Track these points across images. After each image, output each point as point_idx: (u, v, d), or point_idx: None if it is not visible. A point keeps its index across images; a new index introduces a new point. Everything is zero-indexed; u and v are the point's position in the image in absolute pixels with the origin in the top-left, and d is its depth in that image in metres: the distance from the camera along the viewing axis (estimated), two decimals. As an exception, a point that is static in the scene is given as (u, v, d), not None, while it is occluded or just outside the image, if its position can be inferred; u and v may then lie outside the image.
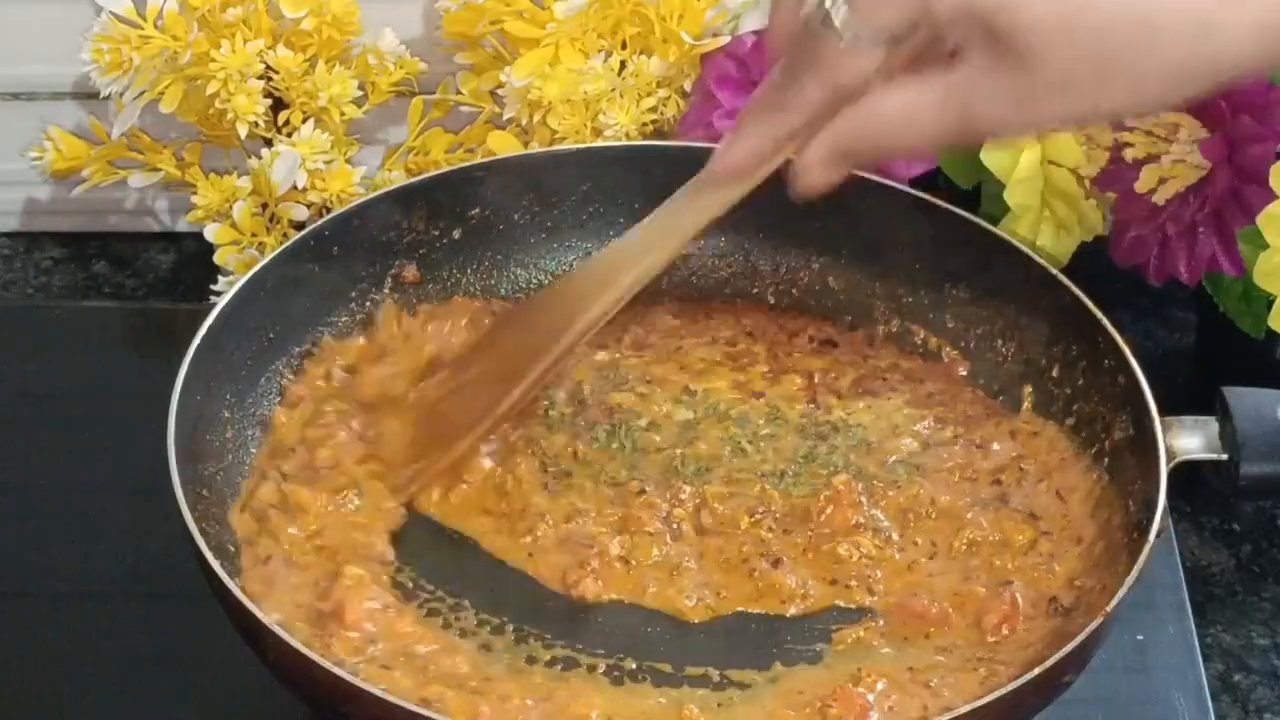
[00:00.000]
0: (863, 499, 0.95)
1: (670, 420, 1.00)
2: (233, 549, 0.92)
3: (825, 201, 1.07)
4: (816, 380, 1.03)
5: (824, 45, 0.78)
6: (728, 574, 0.93)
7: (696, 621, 0.91)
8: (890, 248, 1.07)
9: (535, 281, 1.09)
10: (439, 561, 0.93)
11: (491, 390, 0.96)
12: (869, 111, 0.79)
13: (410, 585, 0.92)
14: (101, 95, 1.13)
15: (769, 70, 0.84)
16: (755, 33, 1.13)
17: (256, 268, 0.99)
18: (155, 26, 1.11)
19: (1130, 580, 0.85)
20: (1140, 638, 0.97)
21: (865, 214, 1.06)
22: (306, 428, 0.98)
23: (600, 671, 0.88)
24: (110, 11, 1.11)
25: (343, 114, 1.13)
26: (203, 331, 0.95)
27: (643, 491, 0.95)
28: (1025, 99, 0.75)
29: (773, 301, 1.09)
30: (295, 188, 1.12)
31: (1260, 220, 1.02)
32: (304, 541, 0.92)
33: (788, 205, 1.08)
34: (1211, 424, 0.93)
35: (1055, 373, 1.00)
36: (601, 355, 1.04)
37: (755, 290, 1.09)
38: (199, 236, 1.15)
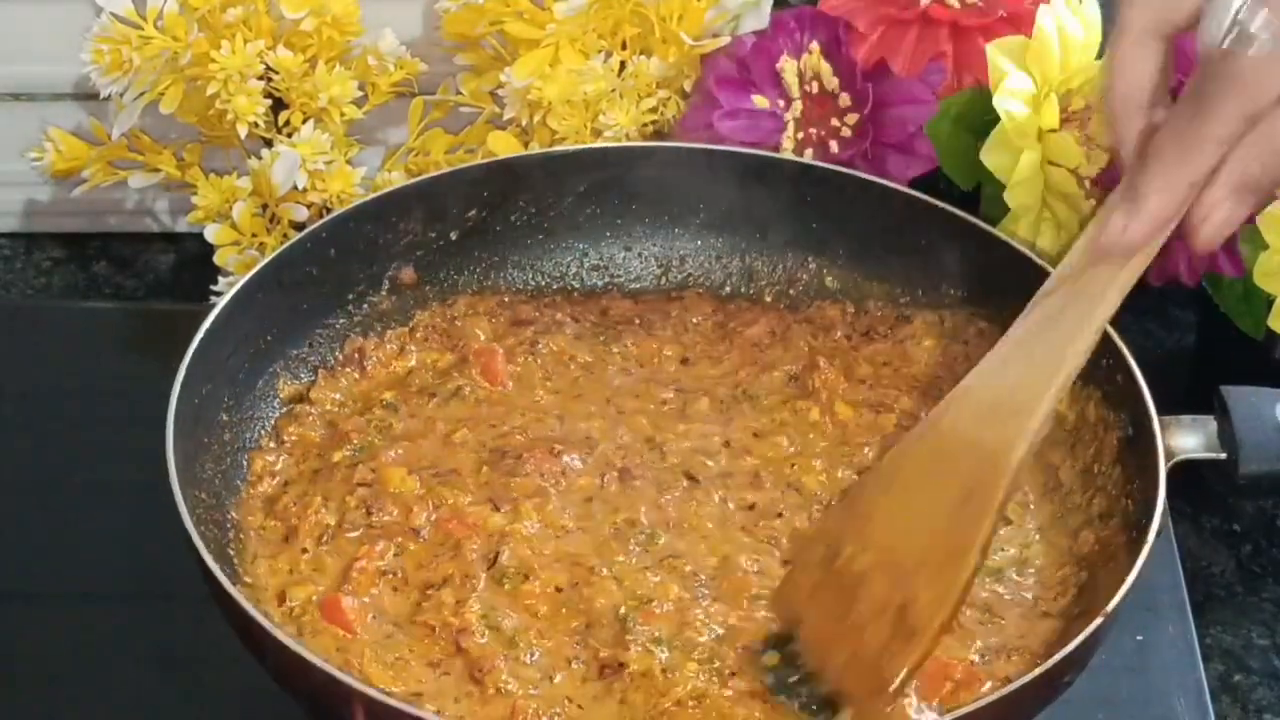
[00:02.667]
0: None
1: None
2: (232, 551, 0.92)
3: (823, 202, 1.08)
4: (817, 384, 1.03)
5: (1234, 64, 0.72)
6: None
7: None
8: (889, 248, 1.07)
9: (533, 283, 1.09)
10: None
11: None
12: (1275, 131, 0.73)
13: None
14: (101, 96, 1.13)
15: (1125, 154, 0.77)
16: (755, 33, 1.13)
17: (256, 269, 0.99)
18: (155, 27, 1.11)
19: (1130, 580, 0.85)
20: (1140, 638, 0.97)
21: (864, 215, 1.06)
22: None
23: None
24: (110, 12, 1.11)
25: (343, 114, 1.13)
26: (202, 332, 0.95)
27: None
28: None
29: (769, 300, 1.09)
30: (295, 188, 1.12)
31: (1260, 220, 1.02)
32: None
33: (786, 206, 1.09)
34: (1210, 423, 0.93)
35: (1054, 372, 1.00)
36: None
37: (753, 291, 1.09)
38: (199, 237, 1.15)
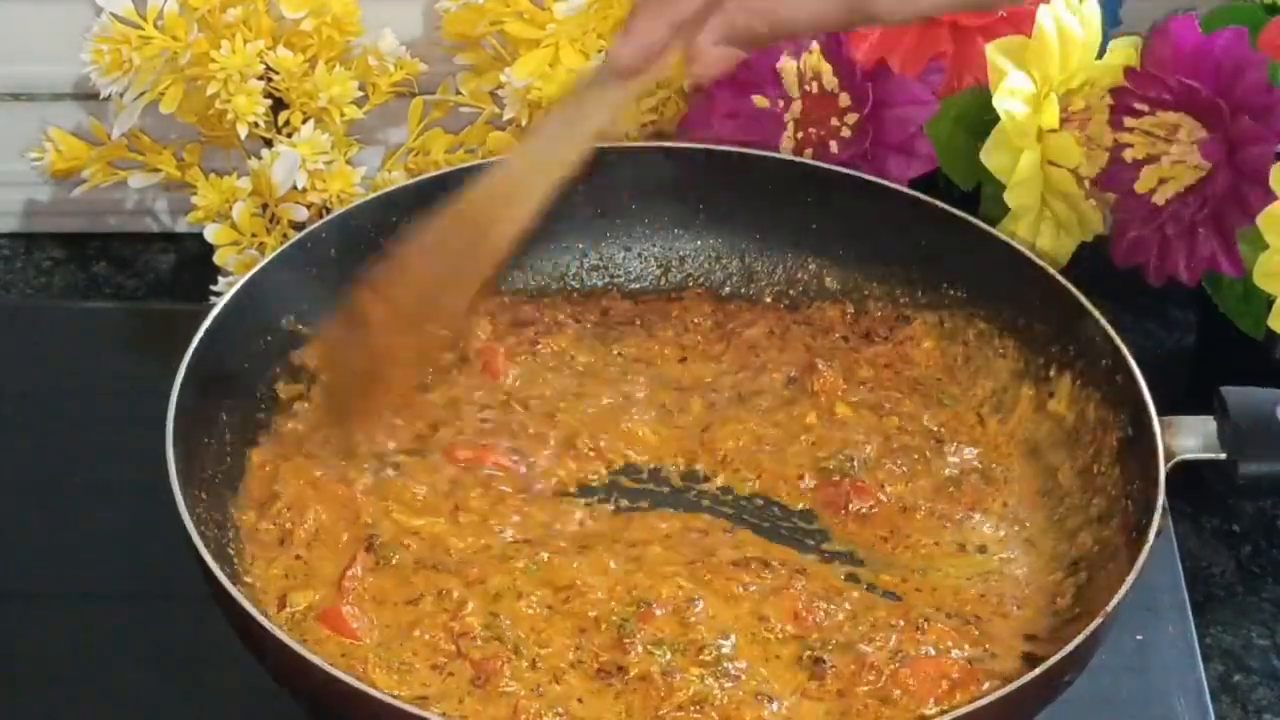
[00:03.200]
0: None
1: None
2: (231, 551, 0.92)
3: (823, 202, 1.08)
4: (816, 387, 1.03)
5: None
6: None
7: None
8: (889, 249, 1.07)
9: (533, 283, 1.09)
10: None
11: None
12: None
13: None
14: (101, 96, 1.13)
15: None
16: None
17: (255, 269, 0.99)
18: (155, 27, 1.11)
19: (1130, 580, 0.85)
20: (1140, 638, 0.97)
21: (864, 215, 1.06)
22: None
23: None
24: (110, 12, 1.11)
25: (343, 114, 1.13)
26: (202, 332, 0.95)
27: None
28: None
29: (769, 301, 1.09)
30: (295, 188, 1.12)
31: (1260, 220, 1.02)
32: None
33: (785, 207, 1.09)
34: (1210, 423, 0.93)
35: (1053, 372, 1.00)
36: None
37: (752, 292, 1.09)
38: (199, 237, 1.15)
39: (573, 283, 1.10)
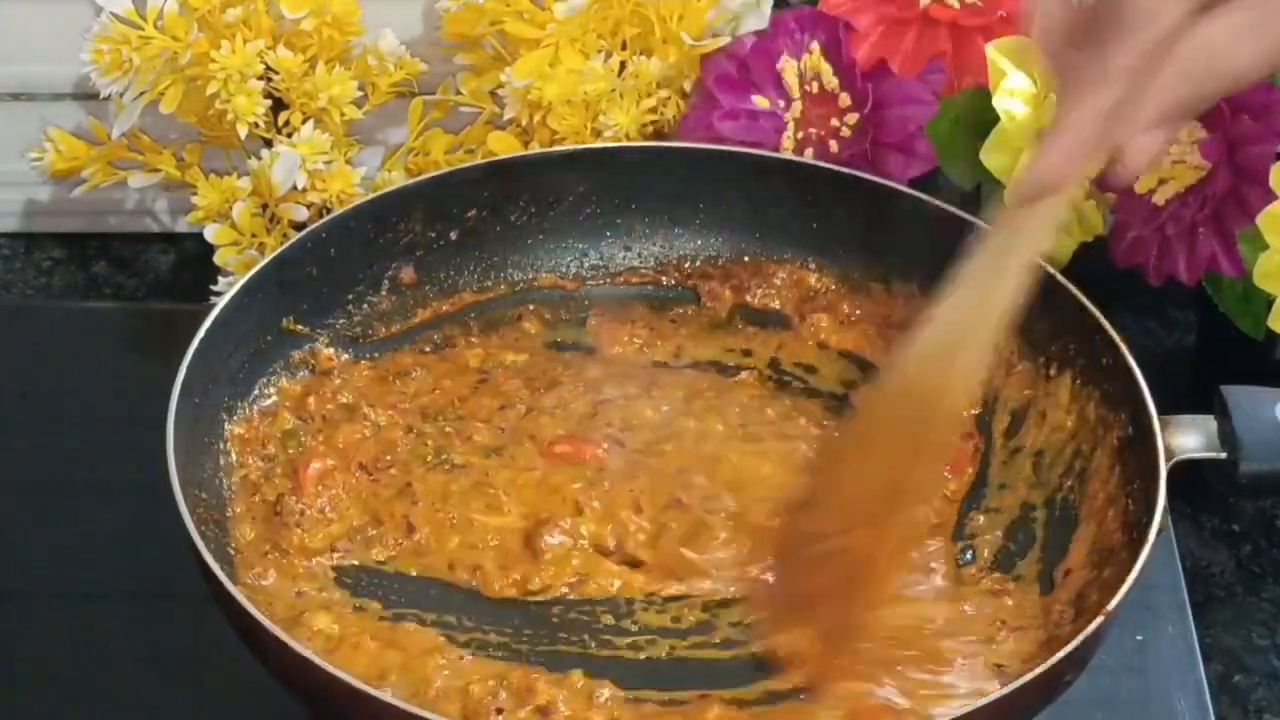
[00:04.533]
0: None
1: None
2: (232, 551, 0.92)
3: (823, 202, 1.08)
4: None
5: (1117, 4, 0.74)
6: None
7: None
8: (888, 249, 1.06)
9: (533, 284, 1.09)
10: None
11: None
12: (1195, 48, 0.74)
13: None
14: (101, 96, 1.13)
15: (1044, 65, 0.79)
16: (755, 33, 1.13)
17: (255, 269, 0.99)
18: (155, 27, 1.11)
19: (1130, 580, 0.85)
20: (1140, 638, 0.97)
21: (864, 215, 1.06)
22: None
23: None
24: (110, 12, 1.11)
25: (343, 115, 1.13)
26: (202, 332, 0.95)
27: None
28: None
29: (769, 300, 1.09)
30: (295, 188, 1.12)
31: (1260, 220, 1.02)
32: None
33: (785, 207, 1.09)
34: (1210, 423, 0.93)
35: (1053, 372, 1.00)
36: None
37: (749, 286, 1.09)
38: (199, 237, 1.15)
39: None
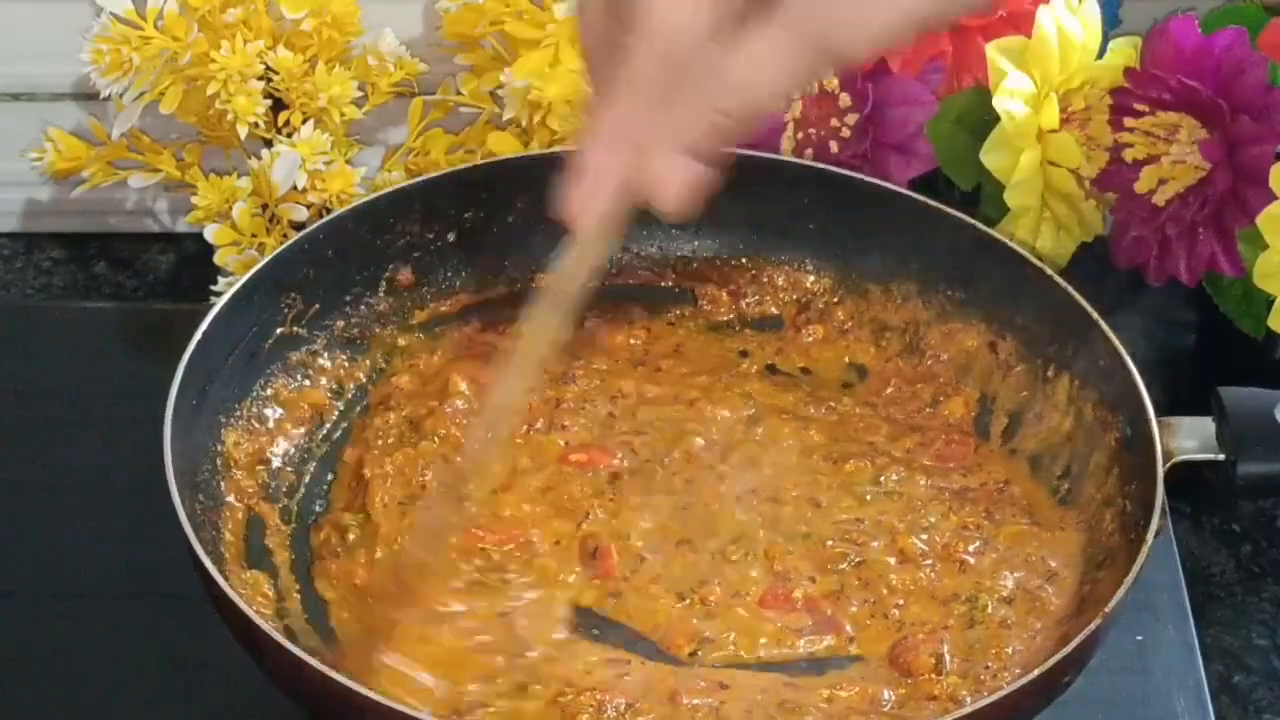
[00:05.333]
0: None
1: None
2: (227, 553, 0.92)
3: (823, 202, 1.08)
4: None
5: (635, 6, 0.72)
6: None
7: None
8: (888, 250, 1.06)
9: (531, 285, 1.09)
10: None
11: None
12: (717, 74, 0.72)
13: None
14: (101, 96, 1.13)
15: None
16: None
17: (252, 271, 0.99)
18: (155, 27, 1.11)
19: (1129, 580, 0.85)
20: (1140, 638, 0.97)
21: (864, 215, 1.06)
22: None
23: None
24: (110, 12, 1.11)
25: (343, 115, 1.13)
26: (201, 332, 0.95)
27: None
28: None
29: (769, 302, 1.09)
30: (295, 188, 1.12)
31: (1260, 220, 1.02)
32: None
33: (785, 206, 1.09)
34: (1208, 424, 0.93)
35: (1050, 374, 1.00)
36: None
37: (746, 293, 1.09)
38: (199, 237, 1.15)
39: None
